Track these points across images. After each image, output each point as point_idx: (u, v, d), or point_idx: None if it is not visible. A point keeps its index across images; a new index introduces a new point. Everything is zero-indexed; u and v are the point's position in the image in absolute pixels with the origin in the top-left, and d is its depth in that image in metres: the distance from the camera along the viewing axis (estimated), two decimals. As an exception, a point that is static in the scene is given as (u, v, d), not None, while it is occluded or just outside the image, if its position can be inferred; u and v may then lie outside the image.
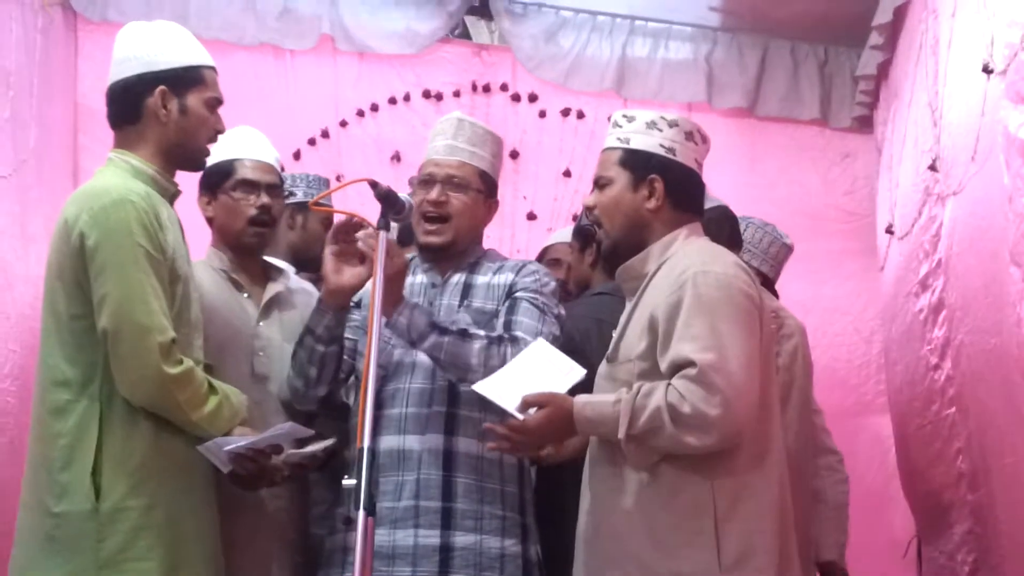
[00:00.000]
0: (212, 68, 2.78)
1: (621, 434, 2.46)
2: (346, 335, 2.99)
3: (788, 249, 3.86)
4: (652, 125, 2.70)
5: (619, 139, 2.73)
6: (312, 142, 5.03)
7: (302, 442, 2.84)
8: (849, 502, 3.77)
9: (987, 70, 3.09)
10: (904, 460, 4.42)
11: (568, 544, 2.75)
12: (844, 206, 5.21)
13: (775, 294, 3.81)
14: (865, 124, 5.14)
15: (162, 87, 2.68)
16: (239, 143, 3.15)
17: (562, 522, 2.89)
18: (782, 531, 2.53)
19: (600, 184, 2.75)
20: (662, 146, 2.68)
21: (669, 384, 2.44)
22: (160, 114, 2.68)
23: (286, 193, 3.70)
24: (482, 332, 2.84)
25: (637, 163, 2.69)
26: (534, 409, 2.56)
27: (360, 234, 2.77)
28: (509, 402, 2.58)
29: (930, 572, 4.14)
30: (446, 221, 2.99)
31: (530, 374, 2.65)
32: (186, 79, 2.71)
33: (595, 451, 2.68)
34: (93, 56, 4.68)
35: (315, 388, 2.92)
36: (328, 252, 2.84)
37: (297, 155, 4.93)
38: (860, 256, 5.06)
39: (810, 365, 3.57)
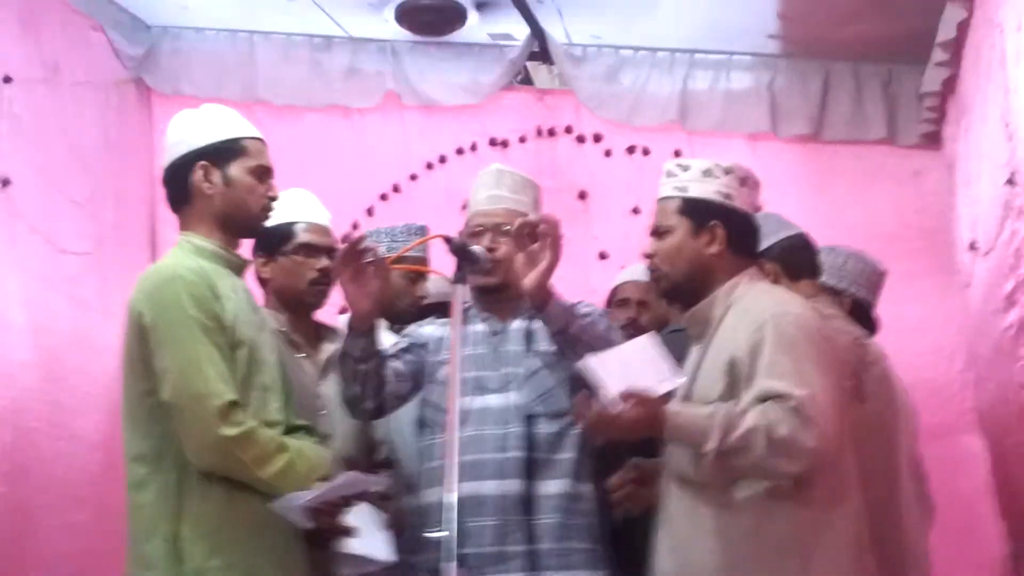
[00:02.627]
0: (256, 139, 2.84)
1: (712, 445, 2.48)
2: (411, 357, 3.10)
3: (883, 275, 3.84)
4: (708, 173, 2.79)
5: (676, 188, 2.80)
6: (384, 197, 5.12)
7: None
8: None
9: (1052, 82, 3.08)
10: (1001, 479, 4.34)
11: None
12: (917, 224, 5.11)
13: (875, 321, 3.78)
14: (933, 141, 5.06)
15: (203, 162, 2.76)
16: (295, 206, 3.23)
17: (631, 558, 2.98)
18: (861, 559, 2.59)
19: (659, 232, 2.82)
20: (719, 192, 2.77)
21: (763, 406, 2.48)
22: (204, 188, 2.76)
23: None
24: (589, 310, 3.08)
25: (696, 210, 2.76)
26: (631, 404, 2.59)
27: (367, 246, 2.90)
28: (611, 386, 2.64)
29: (1029, 592, 4.06)
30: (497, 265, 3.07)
31: (636, 365, 2.72)
32: (226, 151, 2.78)
33: (672, 489, 2.72)
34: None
35: (363, 403, 3.02)
36: (342, 281, 2.91)
37: (370, 211, 5.02)
38: (936, 274, 4.97)
39: (897, 390, 3.52)
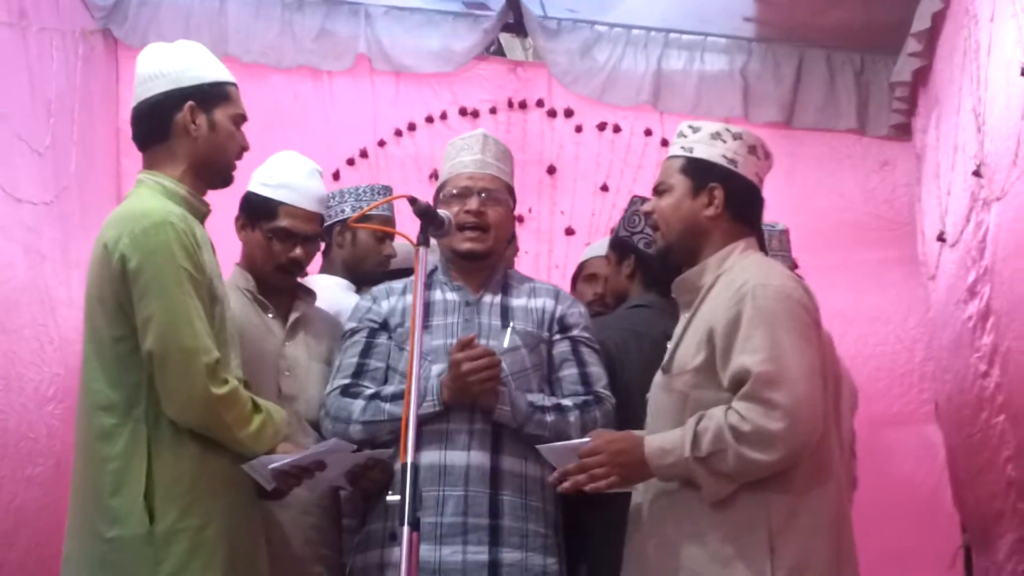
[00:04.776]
0: (235, 85, 2.78)
1: (687, 454, 2.45)
2: (375, 363, 3.03)
3: (787, 233, 3.84)
4: (716, 136, 2.73)
5: (683, 148, 2.76)
6: (351, 162, 5.08)
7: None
8: None
9: (1024, 73, 3.09)
10: (954, 469, 4.38)
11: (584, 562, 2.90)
12: (884, 214, 5.15)
13: None
14: (903, 132, 5.09)
15: (191, 102, 2.66)
16: (291, 184, 3.16)
17: (581, 541, 3.04)
18: (839, 548, 2.53)
19: (660, 190, 2.78)
20: (724, 157, 2.71)
21: (728, 407, 2.45)
22: (191, 129, 2.66)
23: (335, 211, 3.74)
24: (570, 402, 2.97)
25: (698, 171, 2.71)
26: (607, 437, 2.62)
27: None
28: (575, 441, 2.68)
29: (980, 582, 4.09)
30: (486, 231, 3.04)
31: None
32: (213, 95, 2.70)
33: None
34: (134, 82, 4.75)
35: None
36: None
37: (336, 175, 4.97)
38: (901, 264, 5.01)
39: (839, 377, 3.52)
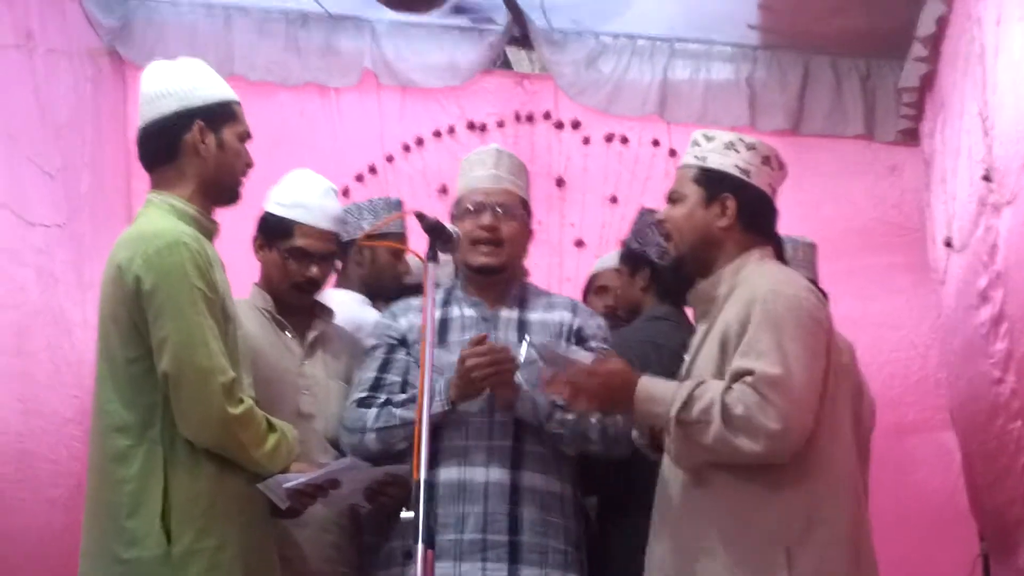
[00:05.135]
0: (239, 103, 2.79)
1: (672, 413, 2.48)
2: (392, 378, 3.03)
3: (814, 247, 3.84)
4: (730, 146, 2.76)
5: (696, 157, 2.78)
6: (359, 178, 5.09)
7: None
8: None
9: (1033, 77, 3.08)
10: (970, 477, 4.35)
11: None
12: (893, 220, 5.13)
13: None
14: (911, 137, 5.07)
15: (200, 122, 2.67)
16: (305, 204, 3.17)
17: (605, 555, 3.05)
18: (859, 559, 2.54)
19: (673, 199, 2.80)
20: (737, 167, 2.73)
21: (728, 386, 2.47)
22: (200, 148, 2.67)
23: (353, 227, 3.74)
24: None
25: (711, 181, 2.74)
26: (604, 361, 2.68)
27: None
28: (579, 354, 2.70)
29: (999, 589, 4.07)
30: (500, 245, 3.04)
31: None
32: (221, 114, 2.72)
33: (667, 476, 2.69)
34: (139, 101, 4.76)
35: None
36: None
37: (345, 192, 4.97)
38: (911, 270, 4.99)
39: (861, 386, 3.51)
